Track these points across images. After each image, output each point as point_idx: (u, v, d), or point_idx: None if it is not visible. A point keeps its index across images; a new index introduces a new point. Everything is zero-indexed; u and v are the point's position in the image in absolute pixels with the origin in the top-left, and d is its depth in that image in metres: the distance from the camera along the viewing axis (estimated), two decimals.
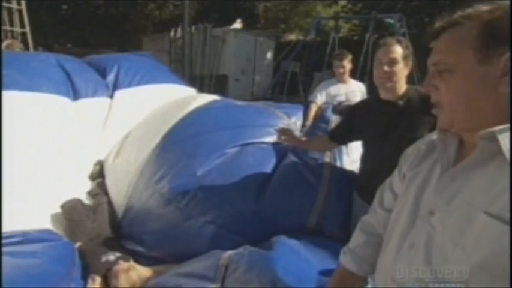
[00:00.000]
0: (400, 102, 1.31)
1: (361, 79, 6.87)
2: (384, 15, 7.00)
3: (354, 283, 0.82)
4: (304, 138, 1.55)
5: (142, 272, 1.50)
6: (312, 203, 1.51)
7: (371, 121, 1.38)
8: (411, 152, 0.72)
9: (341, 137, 1.52)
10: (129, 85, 2.59)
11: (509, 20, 0.52)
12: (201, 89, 7.45)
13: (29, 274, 1.20)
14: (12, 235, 1.38)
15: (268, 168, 1.63)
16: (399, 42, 1.30)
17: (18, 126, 1.89)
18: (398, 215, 0.68)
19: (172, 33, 8.84)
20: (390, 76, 1.28)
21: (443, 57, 0.57)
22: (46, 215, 1.88)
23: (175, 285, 1.19)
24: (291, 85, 7.99)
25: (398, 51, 1.27)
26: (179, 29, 8.69)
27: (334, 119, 1.99)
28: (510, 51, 0.51)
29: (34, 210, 1.79)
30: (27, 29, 5.65)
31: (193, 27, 8.54)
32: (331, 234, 1.53)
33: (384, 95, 1.35)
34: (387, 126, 1.32)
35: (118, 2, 12.51)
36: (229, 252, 1.27)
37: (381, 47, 1.31)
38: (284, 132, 1.55)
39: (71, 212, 1.94)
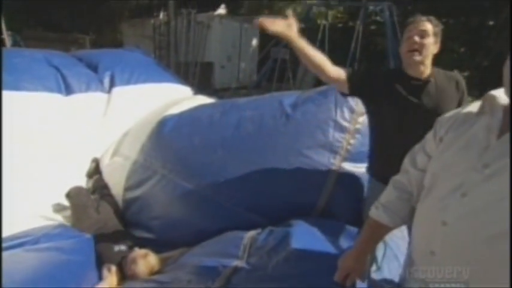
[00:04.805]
0: (432, 79, 1.26)
1: (351, 66, 6.96)
2: (373, 2, 7.10)
3: (383, 235, 0.93)
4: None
5: (158, 258, 1.51)
6: (323, 182, 1.54)
7: (392, 93, 1.28)
8: (448, 119, 0.80)
9: (357, 87, 1.32)
10: (128, 83, 2.56)
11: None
12: (186, 76, 7.26)
13: (56, 266, 1.19)
14: (31, 233, 1.36)
15: (279, 145, 1.63)
16: (429, 20, 1.26)
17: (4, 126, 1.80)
18: (442, 171, 0.76)
19: (154, 19, 8.51)
20: (420, 48, 1.22)
21: None
22: (44, 212, 1.82)
23: (197, 262, 1.21)
24: (280, 72, 7.97)
25: (428, 26, 1.24)
26: (161, 14, 8.37)
27: None
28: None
29: (32, 209, 1.74)
30: None
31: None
32: (341, 215, 1.59)
33: (411, 71, 1.27)
34: (412, 102, 1.26)
35: None
36: (251, 232, 1.30)
37: (410, 24, 1.27)
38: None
39: (77, 196, 1.91)
